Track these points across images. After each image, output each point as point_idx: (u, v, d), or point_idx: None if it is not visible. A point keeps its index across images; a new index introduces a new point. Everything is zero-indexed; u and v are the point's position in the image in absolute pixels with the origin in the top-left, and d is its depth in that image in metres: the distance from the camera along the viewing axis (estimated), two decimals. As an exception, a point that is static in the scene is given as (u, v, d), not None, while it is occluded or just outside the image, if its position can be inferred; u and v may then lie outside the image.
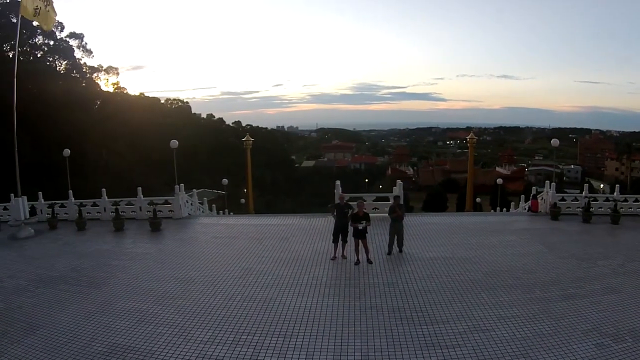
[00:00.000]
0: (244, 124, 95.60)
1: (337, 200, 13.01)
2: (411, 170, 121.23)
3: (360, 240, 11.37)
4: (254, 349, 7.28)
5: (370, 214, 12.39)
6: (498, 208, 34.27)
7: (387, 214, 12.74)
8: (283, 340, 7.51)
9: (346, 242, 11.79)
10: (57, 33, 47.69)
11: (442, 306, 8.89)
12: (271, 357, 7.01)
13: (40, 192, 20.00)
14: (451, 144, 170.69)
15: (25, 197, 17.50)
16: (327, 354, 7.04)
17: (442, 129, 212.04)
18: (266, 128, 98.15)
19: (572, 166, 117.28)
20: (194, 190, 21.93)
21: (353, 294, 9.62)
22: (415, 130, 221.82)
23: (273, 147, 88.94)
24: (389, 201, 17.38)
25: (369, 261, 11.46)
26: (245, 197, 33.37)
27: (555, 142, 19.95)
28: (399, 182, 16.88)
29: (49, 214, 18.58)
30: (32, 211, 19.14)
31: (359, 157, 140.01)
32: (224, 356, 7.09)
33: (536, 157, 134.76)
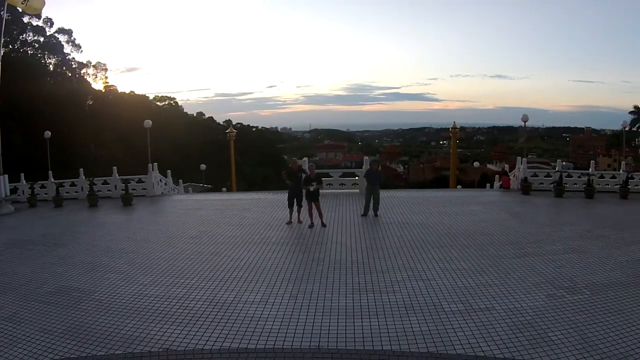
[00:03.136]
0: (234, 124, 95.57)
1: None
2: (401, 167, 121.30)
3: (313, 203, 11.65)
4: (188, 289, 7.57)
5: (337, 191, 12.58)
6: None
7: (352, 190, 12.94)
8: (217, 284, 7.78)
9: (301, 206, 12.09)
10: (47, 29, 47.81)
11: (385, 260, 8.80)
12: (202, 295, 7.29)
13: (22, 174, 20.32)
14: (444, 143, 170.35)
15: (6, 176, 17.80)
16: (255, 295, 7.25)
17: (435, 129, 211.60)
18: (257, 127, 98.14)
19: (563, 163, 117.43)
20: (169, 171, 22.17)
21: (298, 250, 9.88)
22: (409, 130, 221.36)
23: (264, 145, 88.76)
24: (356, 177, 17.90)
25: (323, 224, 11.74)
26: (228, 187, 33.60)
27: (524, 117, 20.18)
28: (365, 158, 17.32)
29: (30, 195, 18.85)
30: (15, 192, 19.60)
31: (350, 156, 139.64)
32: (158, 294, 7.40)
33: (529, 156, 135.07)
